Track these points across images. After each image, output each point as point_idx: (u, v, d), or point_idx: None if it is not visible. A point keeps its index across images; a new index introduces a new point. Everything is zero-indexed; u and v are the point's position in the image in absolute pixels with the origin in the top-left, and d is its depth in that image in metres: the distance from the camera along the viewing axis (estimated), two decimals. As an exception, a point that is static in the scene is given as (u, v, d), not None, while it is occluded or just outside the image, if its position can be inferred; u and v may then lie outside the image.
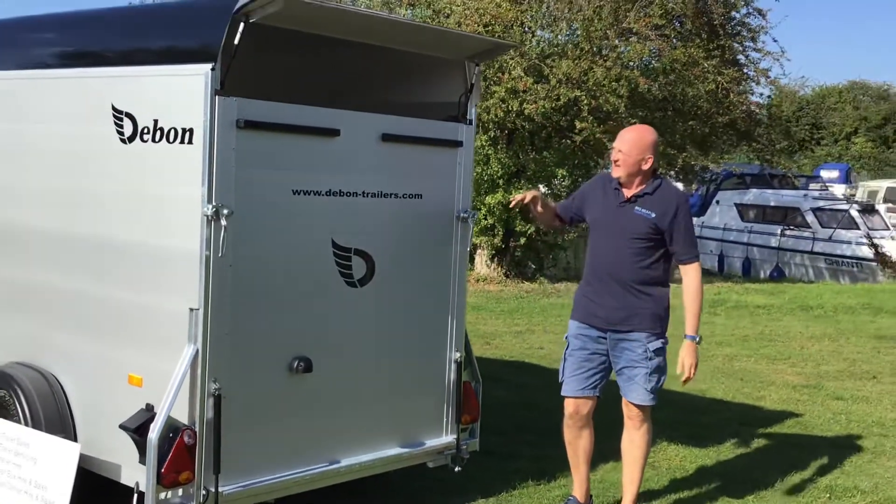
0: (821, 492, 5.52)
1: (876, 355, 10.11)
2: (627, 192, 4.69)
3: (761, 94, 16.81)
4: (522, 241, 14.87)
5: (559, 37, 14.09)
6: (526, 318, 11.71)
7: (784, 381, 8.60)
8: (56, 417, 4.37)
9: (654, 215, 4.62)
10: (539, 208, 5.00)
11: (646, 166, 4.64)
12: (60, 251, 4.44)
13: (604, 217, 4.75)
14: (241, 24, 3.82)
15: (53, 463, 4.10)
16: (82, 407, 4.37)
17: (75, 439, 4.30)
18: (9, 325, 4.69)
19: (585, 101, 13.16)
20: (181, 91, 3.90)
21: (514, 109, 13.38)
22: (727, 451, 6.31)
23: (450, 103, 4.92)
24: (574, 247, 16.44)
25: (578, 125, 13.53)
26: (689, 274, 4.69)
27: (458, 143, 4.85)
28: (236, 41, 3.82)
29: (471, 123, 4.91)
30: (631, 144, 4.65)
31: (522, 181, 14.31)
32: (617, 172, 4.69)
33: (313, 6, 3.98)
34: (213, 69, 3.80)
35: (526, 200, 4.84)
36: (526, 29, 14.07)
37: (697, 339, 4.66)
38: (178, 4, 4.34)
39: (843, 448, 6.46)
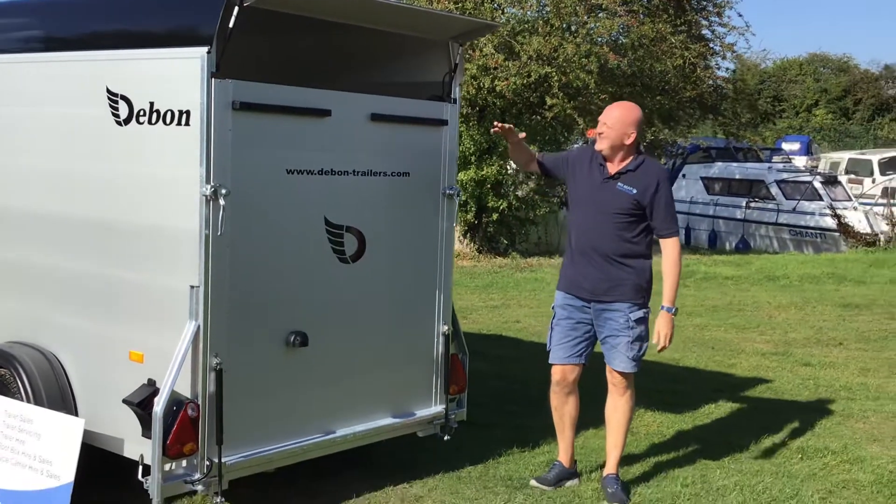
0: (793, 453, 5.75)
1: (841, 323, 10.42)
2: (611, 168, 4.85)
3: (727, 69, 17.09)
4: (495, 216, 15.04)
5: (529, 13, 14.21)
6: (501, 292, 11.90)
7: (754, 349, 8.86)
8: (57, 394, 4.47)
9: (635, 191, 4.78)
10: (515, 142, 5.13)
11: (628, 141, 4.81)
12: (59, 232, 4.51)
13: (588, 192, 4.91)
14: (236, 8, 3.91)
15: (58, 438, 4.19)
16: (83, 384, 4.47)
17: (76, 415, 4.41)
18: (7, 305, 4.77)
19: (556, 78, 13.31)
20: (178, 74, 3.99)
21: (486, 86, 13.50)
22: (702, 416, 6.54)
23: (434, 83, 5.05)
24: (545, 222, 16.64)
25: (549, 101, 13.67)
26: (668, 248, 4.86)
27: (444, 122, 4.98)
28: (231, 24, 3.92)
29: (455, 102, 5.04)
30: (615, 119, 4.81)
31: (494, 157, 14.46)
32: (600, 145, 4.85)
33: (306, -10, 4.08)
34: (209, 52, 3.90)
35: (504, 129, 4.97)
36: (496, 6, 14.18)
37: (673, 310, 4.84)
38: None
39: (812, 411, 6.72)
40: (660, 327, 4.82)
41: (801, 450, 5.80)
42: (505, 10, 14.38)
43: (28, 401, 4.43)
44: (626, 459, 5.41)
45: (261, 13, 4.06)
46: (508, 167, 14.82)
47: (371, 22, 4.70)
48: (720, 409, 6.74)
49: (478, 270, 13.72)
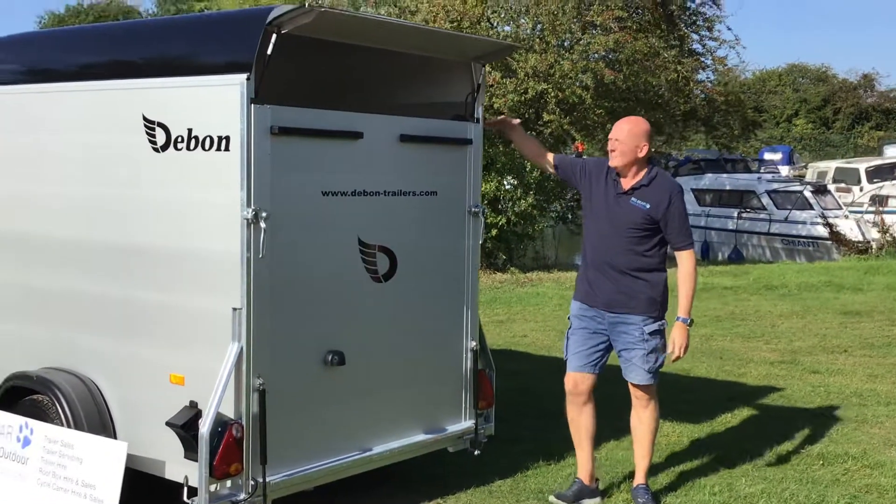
0: (814, 459, 5.84)
1: (844, 330, 10.53)
2: (625, 184, 4.91)
3: (717, 82, 17.26)
4: (493, 232, 15.13)
5: (524, 31, 14.36)
6: (504, 307, 11.96)
7: (761, 358, 8.96)
8: (96, 418, 4.51)
9: (648, 206, 4.83)
10: (516, 132, 5.38)
11: (641, 154, 4.86)
12: (97, 259, 4.56)
13: (602, 206, 4.97)
14: (274, 35, 3.99)
15: (100, 462, 4.23)
16: (122, 407, 4.52)
17: (115, 439, 4.44)
18: (45, 331, 4.80)
19: (552, 94, 13.45)
20: (217, 100, 4.06)
21: (484, 104, 13.64)
22: (719, 425, 6.62)
23: (457, 103, 5.15)
24: (542, 237, 16.74)
25: (546, 117, 13.81)
26: (683, 260, 4.91)
27: (468, 141, 5.08)
28: (269, 51, 4.00)
29: (478, 122, 5.14)
30: (626, 133, 4.87)
31: (493, 174, 14.57)
32: (614, 162, 4.91)
33: (342, 17, 4.17)
34: (248, 79, 3.97)
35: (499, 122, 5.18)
36: (493, 24, 14.33)
37: (689, 321, 4.90)
38: (211, 17, 4.49)
39: (827, 418, 6.81)
40: (675, 337, 4.88)
41: (822, 456, 5.88)
42: (501, 29, 14.54)
43: (68, 426, 4.47)
44: (650, 470, 5.48)
45: (293, 39, 4.14)
46: (506, 183, 14.94)
47: (398, 45, 4.80)
48: (736, 417, 6.82)
49: (479, 286, 13.78)
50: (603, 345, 5.03)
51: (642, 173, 4.90)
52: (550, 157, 5.30)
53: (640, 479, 5.08)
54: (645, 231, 4.86)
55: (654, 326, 4.91)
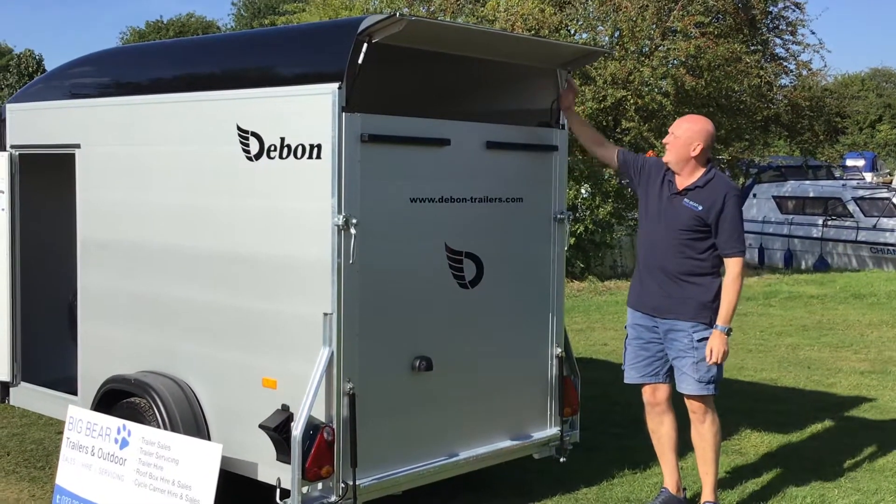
0: (910, 471, 5.69)
1: (938, 339, 10.24)
2: (680, 184, 4.77)
3: (799, 86, 16.89)
4: (571, 240, 15.04)
5: (602, 38, 14.29)
6: (583, 315, 11.91)
7: (851, 368, 8.75)
8: (191, 421, 4.63)
9: (700, 208, 4.68)
10: (574, 120, 5.11)
11: (694, 153, 4.71)
12: (191, 265, 4.69)
13: (656, 207, 4.84)
14: (365, 45, 4.06)
15: (195, 463, 4.33)
16: (216, 410, 4.62)
17: (209, 441, 4.55)
18: (141, 337, 4.95)
19: (631, 101, 13.34)
20: (309, 109, 4.14)
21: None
22: (809, 435, 6.49)
23: (542, 110, 5.15)
24: (619, 245, 16.60)
25: (625, 124, 13.71)
26: (730, 267, 4.69)
27: (554, 148, 5.07)
28: (360, 61, 4.06)
29: (564, 128, 5.13)
30: (682, 130, 4.75)
31: (570, 182, 14.51)
32: (667, 157, 4.80)
33: (432, 25, 4.22)
34: (339, 88, 4.04)
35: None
36: (571, 32, 14.29)
37: (726, 329, 4.66)
38: (303, 28, 4.58)
39: (922, 429, 6.62)
40: (711, 344, 4.66)
41: (919, 468, 5.72)
42: (579, 37, 14.47)
43: (164, 428, 4.59)
44: (739, 480, 5.42)
45: (382, 47, 4.20)
46: (583, 191, 14.85)
47: (486, 52, 4.83)
48: (826, 427, 6.67)
49: (559, 294, 13.72)
50: (660, 353, 4.89)
51: (698, 174, 4.75)
52: (614, 149, 5.13)
53: (707, 495, 4.94)
54: (696, 234, 4.70)
55: (705, 334, 4.71)
